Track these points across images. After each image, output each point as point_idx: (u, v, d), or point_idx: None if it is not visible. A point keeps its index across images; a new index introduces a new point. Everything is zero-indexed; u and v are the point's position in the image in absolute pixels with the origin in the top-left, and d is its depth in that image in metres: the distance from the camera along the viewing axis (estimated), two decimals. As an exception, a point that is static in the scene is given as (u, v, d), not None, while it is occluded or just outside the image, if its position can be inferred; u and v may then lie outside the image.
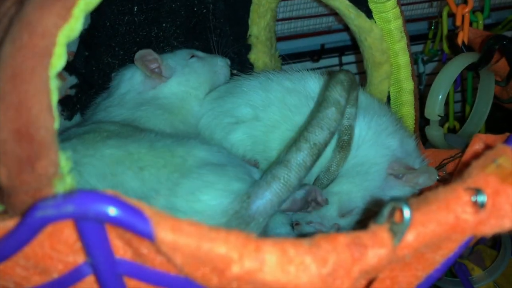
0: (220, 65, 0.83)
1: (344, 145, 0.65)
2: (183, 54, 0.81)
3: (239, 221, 0.52)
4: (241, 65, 0.91)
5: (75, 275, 0.38)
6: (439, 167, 0.69)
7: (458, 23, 0.86)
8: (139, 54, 0.74)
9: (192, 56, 0.80)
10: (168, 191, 0.55)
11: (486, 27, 0.95)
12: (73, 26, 0.39)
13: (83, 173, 0.55)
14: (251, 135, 0.72)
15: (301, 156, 0.52)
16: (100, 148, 0.58)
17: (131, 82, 0.77)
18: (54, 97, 0.38)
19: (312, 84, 0.72)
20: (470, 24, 0.86)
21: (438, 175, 0.66)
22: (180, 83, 0.77)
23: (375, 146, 0.67)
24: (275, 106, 0.71)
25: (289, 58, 0.98)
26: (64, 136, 0.65)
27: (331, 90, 0.57)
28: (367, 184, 0.65)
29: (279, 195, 0.52)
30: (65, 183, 0.38)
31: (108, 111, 0.73)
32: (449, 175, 0.68)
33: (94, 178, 0.55)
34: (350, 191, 0.64)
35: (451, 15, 0.90)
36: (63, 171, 0.38)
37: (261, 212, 0.52)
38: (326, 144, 0.54)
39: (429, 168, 0.66)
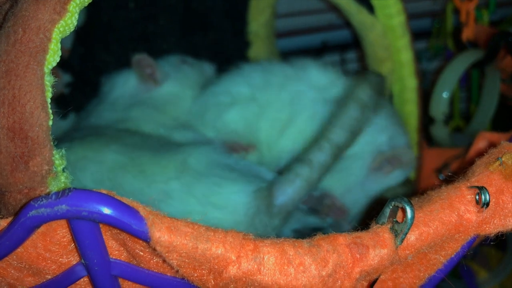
0: (209, 71, 0.83)
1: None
2: (175, 60, 0.81)
3: (263, 217, 0.54)
4: (240, 62, 0.91)
5: (69, 276, 0.37)
6: (443, 167, 0.68)
7: (463, 19, 0.85)
8: (136, 58, 0.75)
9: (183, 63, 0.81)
10: (182, 192, 0.55)
11: (492, 23, 0.94)
12: (68, 22, 0.39)
13: (80, 178, 0.55)
14: (244, 117, 0.70)
15: (323, 157, 0.54)
16: (101, 151, 0.57)
17: (124, 87, 0.76)
18: (49, 94, 0.37)
19: (315, 72, 0.71)
20: (475, 20, 0.85)
21: (442, 175, 0.65)
22: (175, 86, 0.77)
23: (362, 142, 0.66)
24: (273, 89, 0.70)
25: (289, 55, 0.97)
26: (63, 139, 0.64)
27: (360, 89, 0.57)
28: (347, 180, 0.65)
29: (300, 193, 0.54)
30: (59, 181, 0.37)
31: (101, 116, 0.73)
32: (454, 174, 0.67)
33: (91, 183, 0.56)
34: (331, 188, 0.63)
35: (456, 11, 0.89)
36: (57, 169, 0.37)
37: (284, 208, 0.54)
38: (348, 145, 0.56)
39: (403, 149, 0.66)
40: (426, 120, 0.80)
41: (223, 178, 0.56)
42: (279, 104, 0.69)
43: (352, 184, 0.65)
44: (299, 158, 0.55)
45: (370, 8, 0.73)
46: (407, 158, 0.65)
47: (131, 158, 0.58)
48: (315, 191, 0.62)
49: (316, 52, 1.10)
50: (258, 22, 0.91)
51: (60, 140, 0.61)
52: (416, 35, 0.78)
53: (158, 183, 0.55)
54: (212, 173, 0.57)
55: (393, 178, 0.66)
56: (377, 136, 0.67)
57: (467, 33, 0.84)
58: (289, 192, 0.53)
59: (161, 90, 0.76)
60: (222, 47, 0.90)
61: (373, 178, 0.65)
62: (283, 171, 0.57)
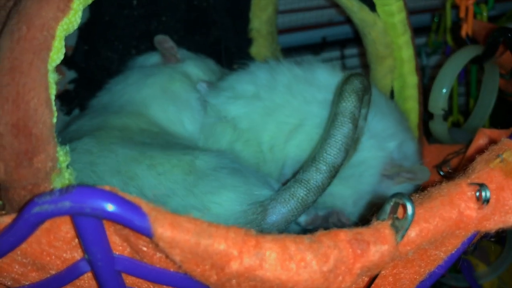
0: (225, 73, 0.83)
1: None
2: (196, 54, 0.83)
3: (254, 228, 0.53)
4: (242, 60, 0.91)
5: (73, 271, 0.37)
6: (443, 163, 0.68)
7: (462, 15, 0.85)
8: (158, 38, 0.76)
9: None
10: (185, 191, 0.55)
11: (490, 19, 0.94)
12: (72, 19, 0.39)
13: (97, 172, 0.56)
14: (247, 113, 0.69)
15: (320, 178, 0.53)
16: (116, 150, 0.58)
17: (143, 64, 0.78)
18: (53, 91, 0.37)
19: (322, 73, 0.70)
20: (474, 16, 0.85)
21: (442, 171, 0.65)
22: (194, 68, 0.78)
23: (373, 148, 0.66)
24: (280, 90, 0.69)
25: (289, 51, 0.97)
26: (71, 131, 0.64)
27: (347, 101, 0.56)
28: (361, 188, 0.65)
29: (294, 214, 0.53)
30: (63, 178, 0.37)
31: (112, 91, 0.74)
32: (454, 170, 0.67)
33: (108, 174, 0.56)
34: (343, 194, 0.64)
35: (455, 7, 0.89)
36: (61, 165, 0.37)
37: (275, 226, 0.53)
38: (343, 163, 0.55)
39: (421, 166, 0.66)
40: (425, 116, 0.81)
41: (223, 184, 0.56)
42: (289, 108, 0.68)
43: (363, 192, 0.65)
44: (296, 178, 0.55)
45: (371, 6, 0.73)
46: (422, 177, 0.64)
47: (143, 153, 0.58)
48: (320, 211, 0.61)
49: (316, 48, 1.10)
50: (260, 19, 0.91)
51: (70, 130, 0.62)
52: (415, 30, 0.77)
53: (167, 181, 0.56)
54: (215, 176, 0.57)
55: (403, 187, 0.66)
56: (388, 143, 0.66)
57: (466, 29, 0.84)
58: (283, 211, 0.53)
59: (181, 66, 0.77)
60: (225, 44, 0.90)
61: (383, 185, 0.65)
62: (280, 189, 0.56)
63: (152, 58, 0.78)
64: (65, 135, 0.64)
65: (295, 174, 0.56)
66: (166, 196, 0.54)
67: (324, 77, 0.70)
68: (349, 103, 0.56)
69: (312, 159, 0.55)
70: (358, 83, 0.58)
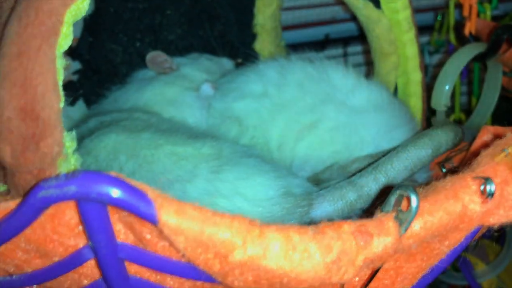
0: (227, 66, 0.84)
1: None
2: (192, 55, 0.82)
3: (296, 220, 0.52)
4: (246, 55, 0.90)
5: (76, 259, 0.37)
6: (446, 160, 0.68)
7: (466, 13, 0.85)
8: (150, 56, 0.76)
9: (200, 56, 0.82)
10: (210, 174, 0.53)
11: (494, 18, 0.94)
12: (80, 6, 0.39)
13: (116, 154, 0.56)
14: (257, 111, 0.68)
15: (374, 188, 0.52)
16: (140, 135, 0.59)
17: (142, 77, 0.77)
18: (60, 76, 0.37)
19: (337, 74, 0.69)
20: (478, 15, 0.85)
21: (445, 167, 0.65)
22: (191, 70, 0.77)
23: None
24: (290, 87, 0.68)
25: (292, 48, 0.97)
26: (91, 126, 0.64)
27: (443, 130, 0.55)
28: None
29: (338, 215, 0.52)
30: (69, 163, 0.37)
31: (117, 100, 0.74)
32: (456, 167, 0.67)
33: (124, 156, 0.56)
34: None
35: (458, 6, 0.89)
36: (68, 151, 0.37)
37: (318, 221, 0.52)
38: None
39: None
40: (428, 113, 0.81)
41: (254, 170, 0.55)
42: (300, 106, 0.66)
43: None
44: (351, 180, 0.53)
45: (376, 2, 0.73)
46: None
47: (166, 138, 0.58)
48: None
49: (319, 45, 1.10)
50: (264, 14, 0.90)
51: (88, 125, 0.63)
52: (418, 29, 0.78)
53: (188, 164, 0.55)
54: (244, 162, 0.56)
55: None
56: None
57: (469, 27, 0.84)
58: (328, 210, 0.52)
59: (177, 71, 0.77)
60: (228, 39, 0.90)
61: None
62: (331, 186, 0.54)
63: (151, 72, 0.78)
64: (83, 130, 0.64)
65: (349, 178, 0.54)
66: (185, 181, 0.53)
67: (338, 78, 0.68)
68: (443, 134, 0.54)
69: (374, 166, 0.53)
70: (458, 129, 0.56)
